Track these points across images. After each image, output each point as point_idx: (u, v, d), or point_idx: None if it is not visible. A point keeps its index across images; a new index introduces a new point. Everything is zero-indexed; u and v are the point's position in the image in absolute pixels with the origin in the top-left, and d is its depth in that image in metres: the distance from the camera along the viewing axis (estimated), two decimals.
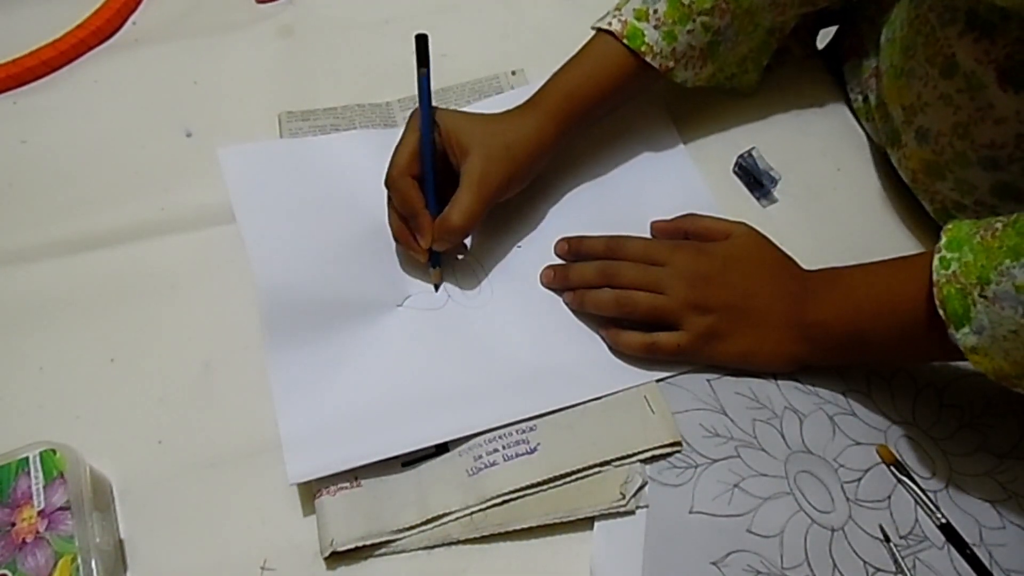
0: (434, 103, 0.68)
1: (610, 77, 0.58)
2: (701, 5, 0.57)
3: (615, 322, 0.54)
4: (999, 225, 0.43)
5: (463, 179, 0.54)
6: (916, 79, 0.55)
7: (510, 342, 0.55)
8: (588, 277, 0.55)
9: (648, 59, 0.57)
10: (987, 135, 0.52)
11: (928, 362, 0.54)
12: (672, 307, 0.53)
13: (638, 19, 0.57)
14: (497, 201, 0.55)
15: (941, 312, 0.44)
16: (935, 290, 0.44)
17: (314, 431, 0.50)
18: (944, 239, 0.45)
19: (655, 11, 0.57)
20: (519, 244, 0.59)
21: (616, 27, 0.57)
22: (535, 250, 0.59)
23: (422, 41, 0.53)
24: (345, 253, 0.57)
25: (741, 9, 0.58)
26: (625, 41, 0.57)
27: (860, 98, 0.66)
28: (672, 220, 0.59)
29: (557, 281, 0.57)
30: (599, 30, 0.59)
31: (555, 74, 0.59)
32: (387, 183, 0.55)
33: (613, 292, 0.54)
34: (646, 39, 0.57)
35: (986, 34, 0.49)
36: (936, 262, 0.44)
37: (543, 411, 0.51)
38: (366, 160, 0.62)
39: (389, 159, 0.56)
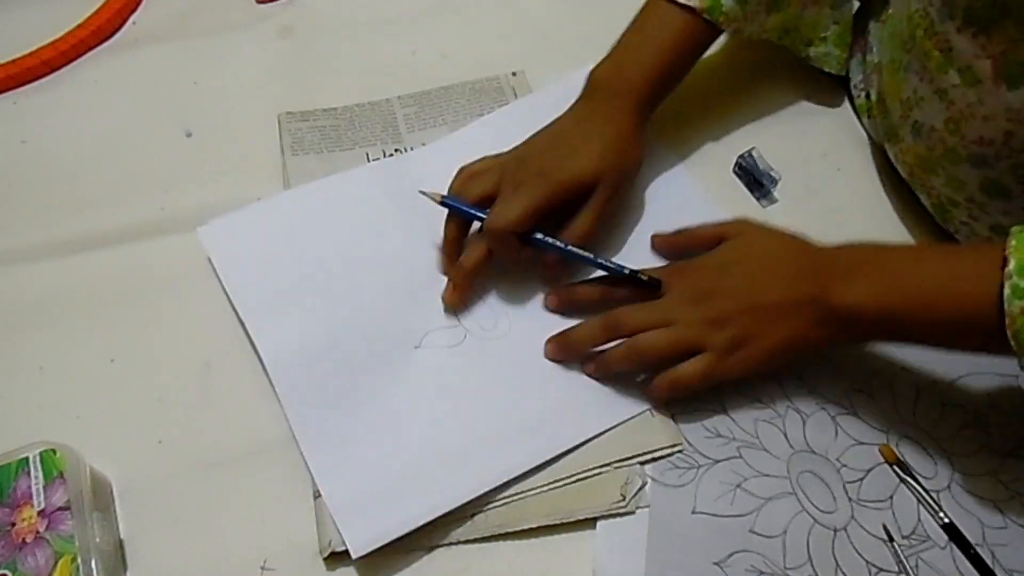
0: (433, 103, 0.68)
1: (684, 49, 0.58)
2: None
3: None
4: None
5: (591, 203, 0.54)
6: (913, 73, 0.55)
7: (535, 371, 0.53)
8: (596, 336, 0.52)
9: (723, 26, 0.58)
10: (976, 131, 0.51)
11: (979, 354, 0.51)
12: (688, 333, 0.50)
13: None
14: None
15: (1013, 343, 0.42)
16: (1007, 320, 0.41)
17: (362, 497, 0.48)
18: (1014, 263, 0.42)
19: None
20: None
21: (694, 2, 0.56)
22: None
23: None
24: (353, 303, 0.55)
25: None
26: (706, 16, 0.57)
27: (863, 95, 0.66)
28: (668, 236, 0.58)
29: (562, 352, 0.53)
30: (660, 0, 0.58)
31: (623, 51, 0.58)
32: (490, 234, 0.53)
33: (625, 347, 0.50)
34: (723, 8, 0.57)
35: (983, 30, 0.49)
36: (1008, 291, 0.42)
37: (578, 441, 0.50)
38: (355, 202, 0.60)
39: (379, 196, 0.58)
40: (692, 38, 0.58)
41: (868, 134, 0.66)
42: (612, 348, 0.51)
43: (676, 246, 0.57)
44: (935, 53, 0.53)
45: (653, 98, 0.58)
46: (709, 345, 0.49)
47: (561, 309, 0.55)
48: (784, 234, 0.53)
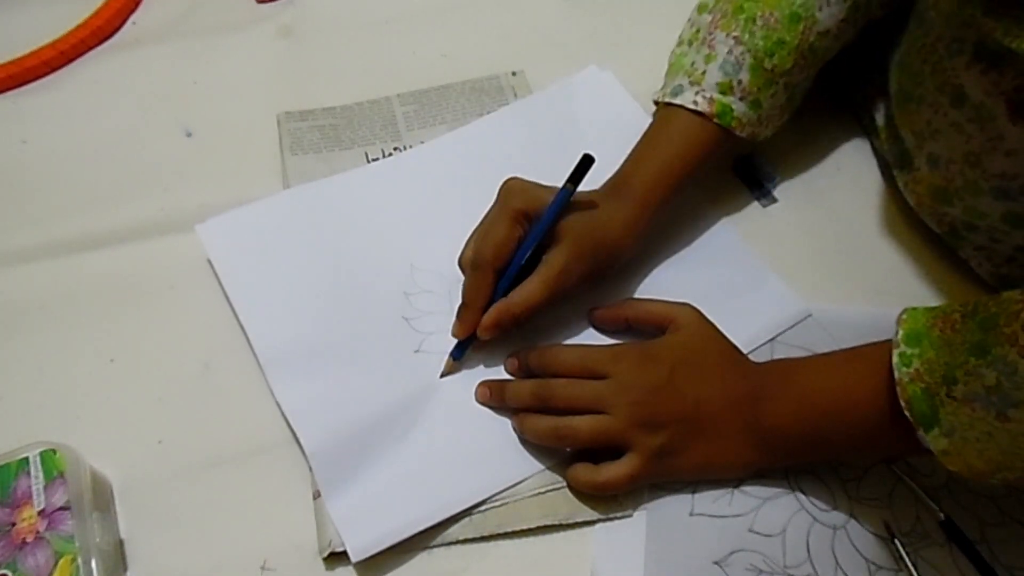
0: (433, 102, 0.68)
1: (697, 154, 0.55)
2: (783, 67, 0.55)
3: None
4: (957, 316, 0.41)
5: (542, 268, 0.51)
6: (926, 106, 0.54)
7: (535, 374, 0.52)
8: (524, 399, 0.50)
9: (738, 132, 0.56)
10: (998, 165, 0.50)
11: (896, 457, 0.50)
12: (617, 428, 0.47)
13: (723, 93, 0.55)
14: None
15: (908, 414, 0.41)
16: (899, 389, 0.41)
17: (362, 501, 0.48)
18: (901, 332, 0.43)
19: (739, 82, 0.55)
20: None
21: (704, 107, 0.54)
22: None
23: (586, 162, 0.51)
24: (350, 309, 0.55)
25: (816, 58, 0.57)
26: (716, 120, 0.55)
27: (867, 117, 0.65)
28: (612, 307, 0.54)
29: (494, 401, 0.51)
30: (673, 105, 0.56)
31: (639, 154, 0.56)
32: (464, 265, 0.53)
33: (551, 421, 0.49)
34: (735, 113, 0.55)
35: (994, 66, 0.47)
36: (896, 358, 0.42)
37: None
38: (354, 201, 0.60)
39: (378, 195, 0.57)
40: (703, 143, 0.55)
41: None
42: (537, 418, 0.50)
43: (619, 318, 0.54)
44: (947, 88, 0.51)
45: (660, 201, 0.54)
46: (638, 446, 0.47)
47: (519, 372, 0.53)
48: (724, 340, 0.51)
